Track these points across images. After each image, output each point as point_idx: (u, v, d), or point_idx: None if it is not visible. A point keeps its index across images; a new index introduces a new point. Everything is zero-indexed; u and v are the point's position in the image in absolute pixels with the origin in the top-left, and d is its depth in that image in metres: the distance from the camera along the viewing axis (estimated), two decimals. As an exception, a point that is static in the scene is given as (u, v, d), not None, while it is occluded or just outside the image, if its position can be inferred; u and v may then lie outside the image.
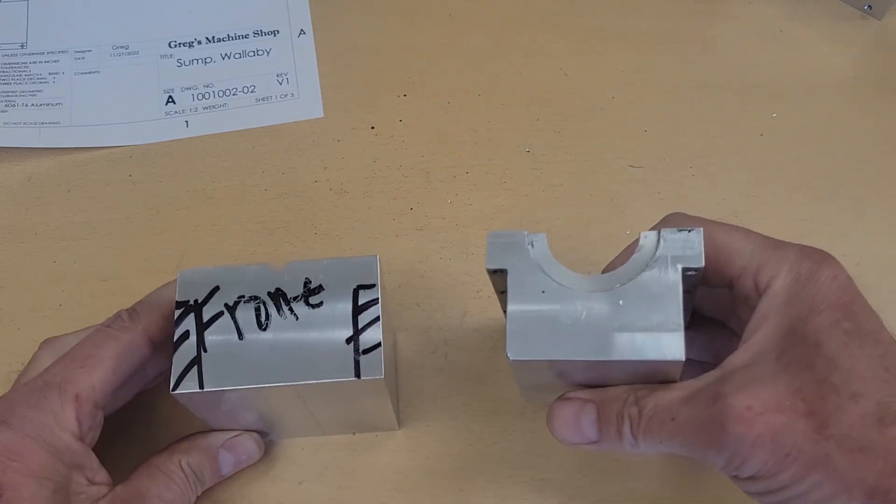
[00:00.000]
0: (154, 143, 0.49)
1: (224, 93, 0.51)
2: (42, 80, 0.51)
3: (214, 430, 0.37)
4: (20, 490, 0.31)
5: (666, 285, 0.29)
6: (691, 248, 0.30)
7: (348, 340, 0.33)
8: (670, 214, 0.34)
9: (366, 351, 0.33)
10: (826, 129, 0.49)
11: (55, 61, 0.52)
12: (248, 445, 0.37)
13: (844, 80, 0.51)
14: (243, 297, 0.34)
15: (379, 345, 0.33)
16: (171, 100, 0.51)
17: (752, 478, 0.28)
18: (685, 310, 0.30)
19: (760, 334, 0.29)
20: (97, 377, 0.33)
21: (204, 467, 0.36)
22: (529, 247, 0.31)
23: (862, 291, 0.30)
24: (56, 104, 0.50)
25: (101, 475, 0.34)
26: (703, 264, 0.29)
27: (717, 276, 0.32)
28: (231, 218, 0.47)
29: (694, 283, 0.31)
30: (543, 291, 0.30)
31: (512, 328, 0.30)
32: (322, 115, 0.50)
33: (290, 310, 0.33)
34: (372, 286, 0.34)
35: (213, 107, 0.51)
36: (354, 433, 0.40)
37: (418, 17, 0.54)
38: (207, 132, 0.50)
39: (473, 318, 0.43)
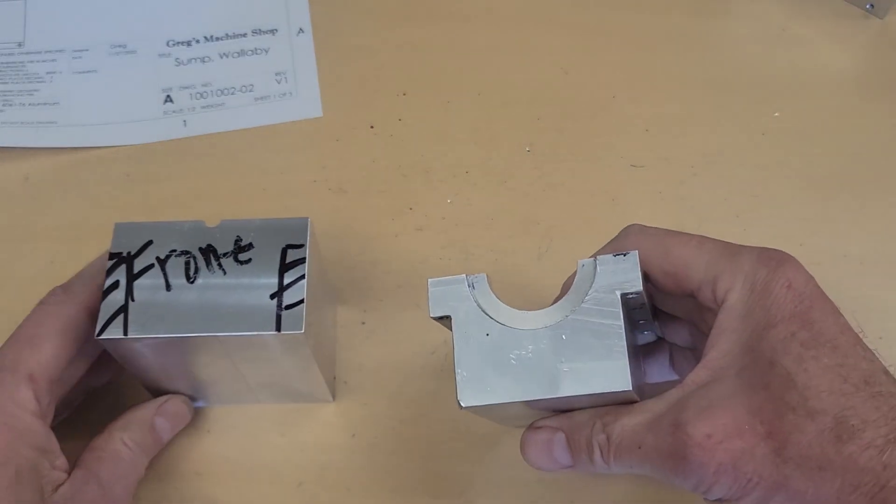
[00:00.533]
0: (152, 142, 0.49)
1: (222, 92, 0.51)
2: (39, 80, 0.51)
3: (146, 402, 0.38)
4: None
5: (606, 313, 0.29)
6: (627, 272, 0.30)
7: (272, 296, 0.33)
8: (626, 227, 0.34)
9: (288, 307, 0.33)
10: (828, 128, 0.49)
11: (52, 60, 0.51)
12: (178, 408, 0.38)
13: (846, 79, 0.51)
14: (175, 250, 0.35)
15: (301, 301, 0.33)
16: (168, 99, 0.51)
17: (719, 500, 0.28)
18: (636, 327, 0.30)
19: (717, 351, 0.29)
20: (45, 354, 0.34)
21: (145, 438, 0.37)
22: (470, 289, 0.31)
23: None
24: (53, 103, 0.50)
25: (61, 460, 0.34)
26: (641, 288, 0.29)
27: (678, 288, 0.32)
28: (230, 218, 0.46)
29: (639, 302, 0.31)
30: (488, 334, 0.30)
31: (461, 376, 0.30)
32: (321, 115, 0.50)
33: (219, 265, 0.34)
34: (300, 246, 0.34)
35: (212, 106, 0.50)
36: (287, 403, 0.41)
37: (418, 16, 0.54)
38: (206, 131, 0.50)
39: (473, 319, 0.43)
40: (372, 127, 0.49)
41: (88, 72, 0.51)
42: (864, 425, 0.26)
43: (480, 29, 0.53)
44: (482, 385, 0.30)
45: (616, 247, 0.33)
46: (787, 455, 0.26)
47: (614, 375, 0.28)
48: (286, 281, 0.34)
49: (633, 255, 0.30)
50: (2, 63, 0.51)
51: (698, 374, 0.29)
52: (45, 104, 0.50)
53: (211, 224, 0.35)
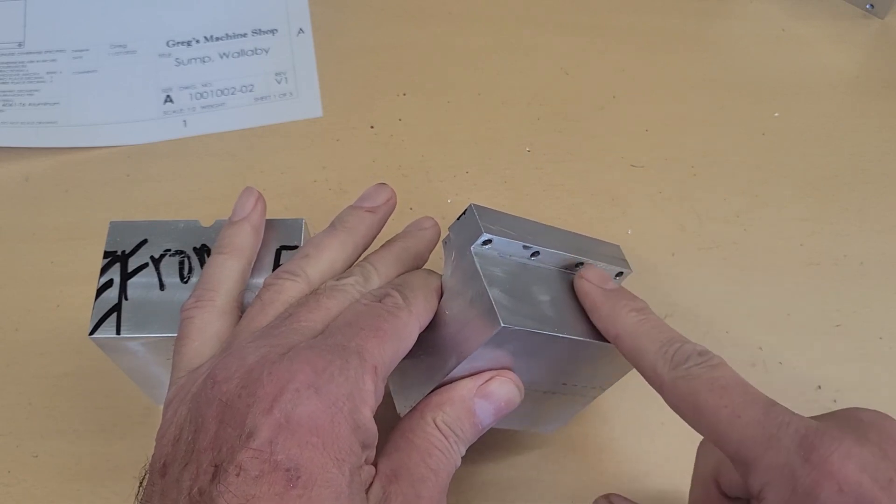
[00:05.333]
0: (152, 142, 0.49)
1: (222, 92, 0.51)
2: (39, 80, 0.51)
3: (464, 378, 0.31)
4: (318, 475, 0.25)
5: (468, 272, 0.30)
6: (471, 226, 0.30)
7: None
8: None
9: None
10: (828, 129, 0.49)
11: (52, 60, 0.51)
12: (507, 389, 0.31)
13: (846, 79, 0.51)
14: (169, 250, 0.35)
15: None
16: (169, 99, 0.51)
17: None
18: (509, 275, 0.31)
19: None
20: (389, 350, 0.29)
21: (462, 422, 0.31)
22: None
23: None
24: (53, 103, 0.50)
25: (373, 454, 0.29)
26: (485, 233, 0.30)
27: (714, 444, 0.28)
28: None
29: (513, 248, 0.31)
30: None
31: (395, 393, 0.31)
32: (321, 115, 0.50)
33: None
34: (295, 247, 0.34)
35: (212, 106, 0.50)
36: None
37: (418, 16, 0.54)
38: (206, 131, 0.50)
39: (474, 319, 0.43)
40: (372, 127, 0.49)
41: (88, 72, 0.51)
42: None
43: (480, 29, 0.53)
44: (408, 389, 0.31)
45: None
46: None
47: (485, 319, 0.28)
48: None
49: (470, 210, 0.30)
50: (2, 63, 0.51)
51: None
52: (45, 104, 0.50)
53: (206, 224, 0.35)
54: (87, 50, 0.52)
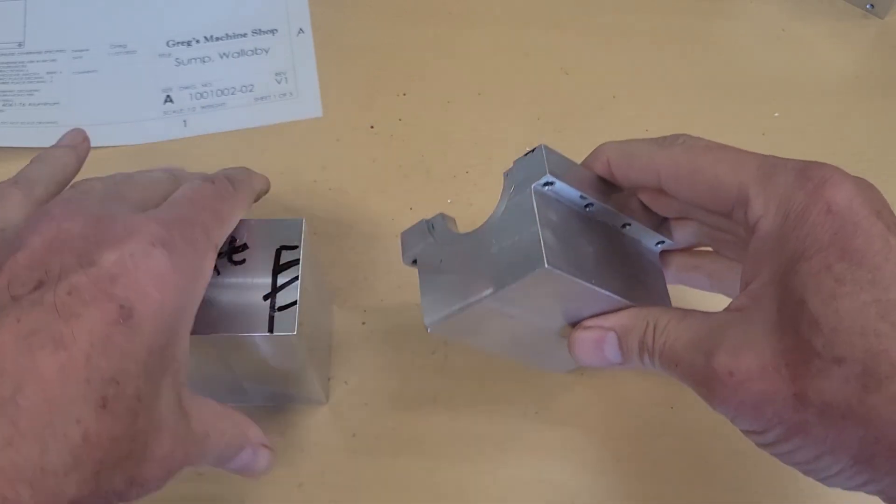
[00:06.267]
0: (152, 142, 0.49)
1: (222, 92, 0.51)
2: (39, 80, 0.51)
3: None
4: (148, 323, 0.26)
5: (523, 208, 0.30)
6: (537, 165, 0.31)
7: (266, 297, 0.33)
8: (601, 146, 0.34)
9: (281, 308, 0.33)
10: (828, 129, 0.49)
11: (52, 60, 0.51)
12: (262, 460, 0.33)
13: (846, 79, 0.51)
14: None
15: (295, 303, 0.33)
16: (169, 99, 0.51)
17: (745, 431, 0.28)
18: (612, 235, 0.33)
19: (757, 283, 0.28)
20: (223, 233, 0.31)
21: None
22: (430, 229, 0.33)
23: None
24: (53, 103, 0.50)
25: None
26: (549, 174, 0.30)
27: (713, 207, 0.30)
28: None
29: (571, 195, 0.32)
30: (441, 261, 0.32)
31: (423, 304, 0.32)
32: (321, 115, 0.50)
33: (214, 266, 0.34)
34: (294, 247, 0.34)
35: (212, 106, 0.50)
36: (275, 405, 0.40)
37: (418, 15, 0.54)
38: (206, 131, 0.50)
39: (474, 319, 0.43)
40: (372, 127, 0.49)
41: (89, 72, 0.51)
42: (894, 372, 0.24)
43: (480, 29, 0.53)
44: (438, 304, 0.31)
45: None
46: (808, 402, 0.25)
47: (530, 259, 0.29)
48: (280, 282, 0.33)
49: (539, 149, 0.31)
50: (2, 63, 0.51)
51: (740, 301, 0.28)
52: (45, 104, 0.50)
53: None
54: (87, 50, 0.52)
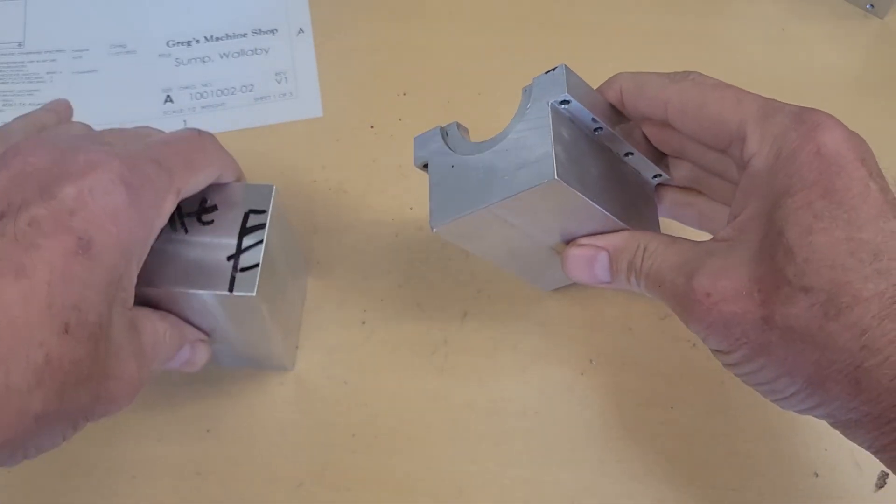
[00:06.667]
0: (152, 142, 0.49)
1: (222, 92, 0.51)
2: (39, 80, 0.51)
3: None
4: (105, 256, 0.27)
5: (539, 122, 0.32)
6: (556, 83, 0.32)
7: (229, 258, 0.34)
8: (616, 75, 0.35)
9: (244, 269, 0.34)
10: (828, 129, 0.49)
11: (52, 60, 0.51)
12: (201, 356, 0.36)
13: (846, 79, 0.51)
14: None
15: (257, 265, 0.34)
16: (169, 99, 0.51)
17: (714, 350, 0.30)
18: (615, 162, 0.34)
19: (744, 215, 0.30)
20: (192, 181, 0.32)
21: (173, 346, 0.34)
22: (443, 136, 0.34)
23: None
24: (53, 103, 0.50)
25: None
26: (567, 93, 0.31)
27: (713, 143, 0.32)
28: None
29: (583, 117, 0.33)
30: (452, 166, 0.33)
31: (431, 206, 0.33)
32: (321, 115, 0.50)
33: (182, 224, 0.34)
34: (262, 212, 0.35)
35: (212, 106, 0.50)
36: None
37: (418, 16, 0.54)
38: (206, 131, 0.50)
39: (473, 318, 0.43)
40: (372, 127, 0.49)
41: (89, 72, 0.51)
42: (854, 303, 0.26)
43: (480, 29, 0.53)
44: (447, 207, 0.32)
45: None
46: (774, 324, 0.27)
47: (541, 170, 0.30)
48: (245, 244, 0.34)
49: (561, 68, 0.32)
50: (2, 63, 0.51)
51: (726, 232, 0.30)
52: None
53: None
54: (87, 50, 0.52)
